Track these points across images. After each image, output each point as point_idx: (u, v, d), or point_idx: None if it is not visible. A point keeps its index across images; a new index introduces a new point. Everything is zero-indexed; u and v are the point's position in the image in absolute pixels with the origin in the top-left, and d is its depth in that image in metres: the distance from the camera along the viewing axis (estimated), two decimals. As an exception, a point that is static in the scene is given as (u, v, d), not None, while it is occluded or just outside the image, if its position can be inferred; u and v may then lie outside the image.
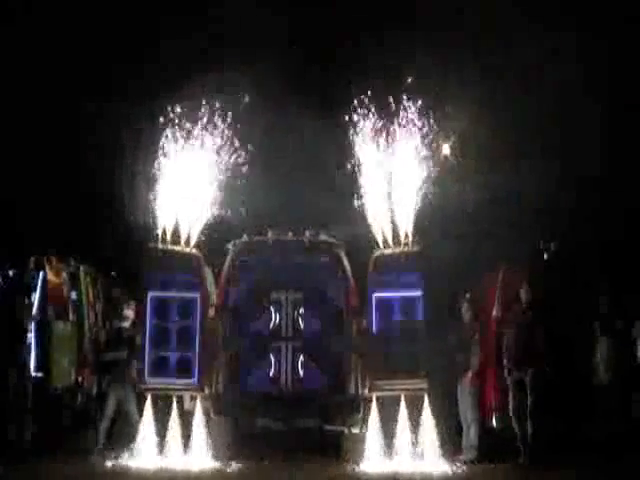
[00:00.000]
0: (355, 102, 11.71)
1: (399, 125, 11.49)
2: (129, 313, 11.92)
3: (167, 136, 11.59)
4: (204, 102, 11.70)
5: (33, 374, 11.30)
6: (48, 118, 17.60)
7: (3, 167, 16.70)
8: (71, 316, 12.53)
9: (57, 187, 17.95)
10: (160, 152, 11.55)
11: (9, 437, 10.58)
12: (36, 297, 11.80)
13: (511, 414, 11.21)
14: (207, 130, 11.69)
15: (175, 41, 17.05)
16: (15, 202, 17.15)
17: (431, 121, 11.60)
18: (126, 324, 11.93)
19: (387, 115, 11.57)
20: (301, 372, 11.29)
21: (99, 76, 17.70)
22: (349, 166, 11.71)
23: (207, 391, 11.32)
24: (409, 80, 11.80)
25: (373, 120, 11.60)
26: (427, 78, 11.71)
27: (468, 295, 11.90)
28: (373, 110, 11.66)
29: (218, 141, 11.73)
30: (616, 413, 10.71)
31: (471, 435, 11.50)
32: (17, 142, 17.23)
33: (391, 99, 11.62)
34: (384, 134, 11.52)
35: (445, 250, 14.09)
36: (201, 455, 11.04)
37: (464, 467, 11.01)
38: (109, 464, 10.94)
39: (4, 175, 16.67)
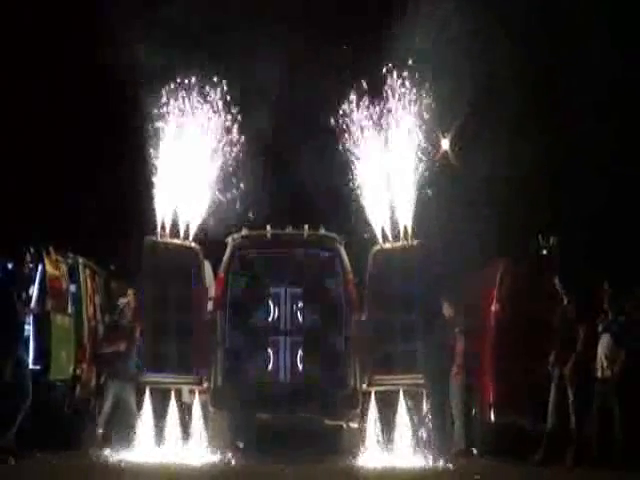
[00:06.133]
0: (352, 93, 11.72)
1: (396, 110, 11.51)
2: (123, 302, 11.95)
3: (166, 128, 11.57)
4: (202, 93, 11.69)
5: (31, 367, 11.26)
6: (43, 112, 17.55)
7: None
8: (70, 309, 12.50)
9: (55, 180, 17.91)
10: (159, 144, 11.53)
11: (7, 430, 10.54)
12: (35, 290, 11.76)
13: (550, 409, 10.93)
14: (206, 121, 11.69)
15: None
16: (12, 195, 17.11)
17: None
18: (124, 317, 11.93)
19: (384, 104, 11.58)
20: (300, 366, 11.29)
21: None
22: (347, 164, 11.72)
23: (206, 384, 11.32)
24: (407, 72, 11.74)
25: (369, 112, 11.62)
26: (427, 74, 11.65)
27: (448, 294, 11.98)
28: (371, 102, 11.66)
29: (217, 134, 11.74)
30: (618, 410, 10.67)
31: (456, 428, 11.62)
32: (12, 134, 17.17)
33: (389, 91, 11.63)
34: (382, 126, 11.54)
35: (444, 244, 14.10)
36: (199, 448, 11.04)
37: (458, 460, 11.04)
38: (108, 457, 10.94)
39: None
